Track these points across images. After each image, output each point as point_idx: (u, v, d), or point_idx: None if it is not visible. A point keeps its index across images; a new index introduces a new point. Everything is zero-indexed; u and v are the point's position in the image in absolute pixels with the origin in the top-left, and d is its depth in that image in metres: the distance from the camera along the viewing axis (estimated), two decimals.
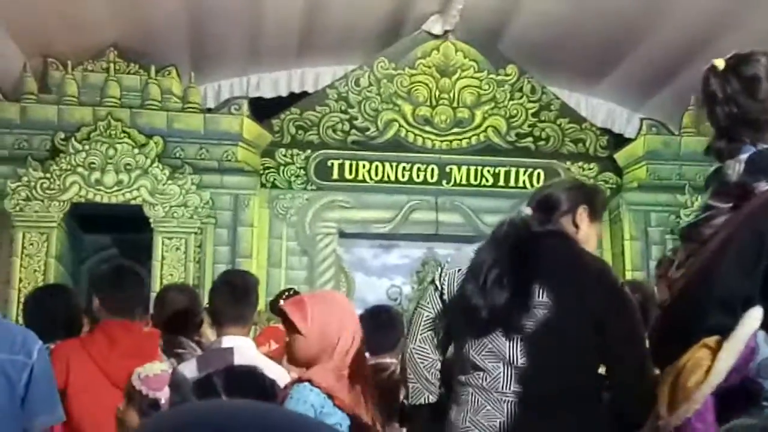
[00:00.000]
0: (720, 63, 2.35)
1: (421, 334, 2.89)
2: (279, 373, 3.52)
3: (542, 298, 2.65)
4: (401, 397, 3.03)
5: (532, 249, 2.73)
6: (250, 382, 3.36)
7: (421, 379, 2.88)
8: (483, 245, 2.84)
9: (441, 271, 2.93)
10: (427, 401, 2.88)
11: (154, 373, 3.33)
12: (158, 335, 4.30)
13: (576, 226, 2.97)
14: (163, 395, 3.29)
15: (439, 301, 2.88)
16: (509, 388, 2.65)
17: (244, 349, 3.62)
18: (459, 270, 2.85)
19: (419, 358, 2.88)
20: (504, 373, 2.66)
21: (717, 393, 2.05)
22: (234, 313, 3.69)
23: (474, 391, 2.71)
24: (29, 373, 3.30)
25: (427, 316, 2.89)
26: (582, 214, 2.99)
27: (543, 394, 2.64)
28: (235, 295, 3.73)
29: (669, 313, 2.32)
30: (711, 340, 2.09)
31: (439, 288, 2.89)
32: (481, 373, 2.70)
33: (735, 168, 2.27)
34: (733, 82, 2.30)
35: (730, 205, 2.25)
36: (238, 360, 3.51)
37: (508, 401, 2.65)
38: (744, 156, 2.26)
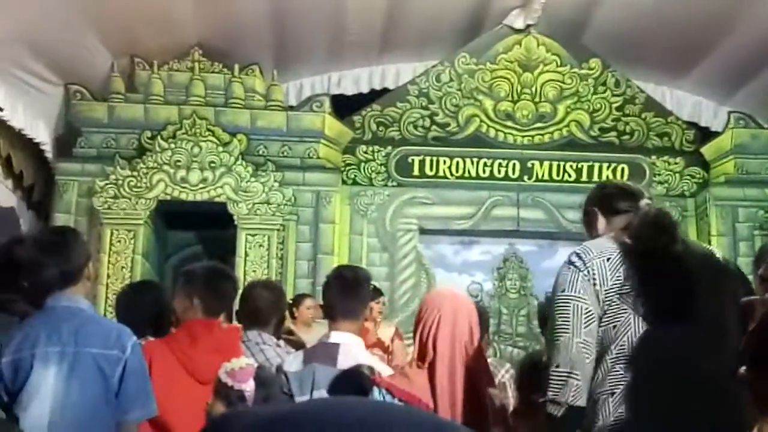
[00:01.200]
0: None
1: (584, 328, 2.73)
2: (383, 371, 3.55)
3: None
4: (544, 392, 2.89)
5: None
6: (352, 382, 3.41)
7: (586, 378, 2.73)
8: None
9: (587, 260, 2.83)
10: (584, 404, 2.74)
11: (240, 367, 3.38)
12: (238, 331, 4.35)
13: None
14: (248, 387, 3.33)
15: (594, 292, 2.78)
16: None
17: (350, 346, 3.64)
18: (608, 258, 2.82)
19: (585, 355, 2.73)
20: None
21: None
22: (343, 307, 3.72)
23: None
24: (123, 367, 3.37)
25: (587, 308, 2.75)
26: None
27: (701, 376, 2.66)
28: (344, 289, 3.75)
29: None
30: None
31: (591, 278, 2.79)
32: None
33: None
34: None
35: None
36: (343, 356, 3.55)
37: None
38: None
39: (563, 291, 2.82)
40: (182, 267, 4.47)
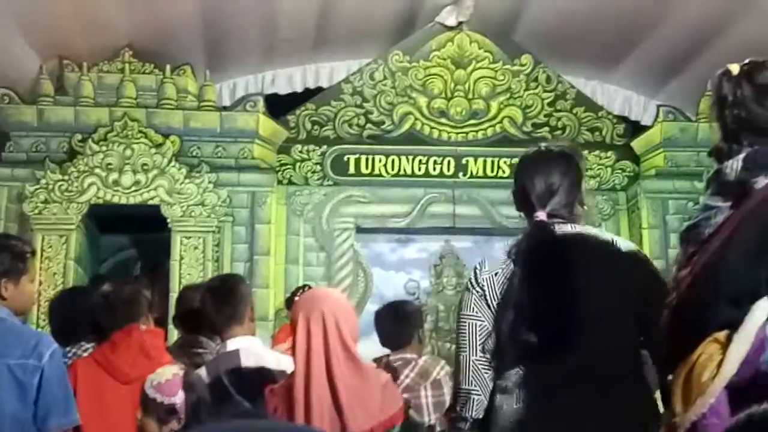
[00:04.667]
0: (735, 68, 2.39)
1: (479, 345, 2.81)
2: (290, 366, 3.55)
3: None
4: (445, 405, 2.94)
5: None
6: (258, 379, 3.41)
7: (486, 391, 2.79)
8: None
9: (478, 275, 2.88)
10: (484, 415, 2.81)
11: (166, 379, 3.34)
12: (159, 333, 4.37)
13: None
14: (178, 399, 3.31)
15: (486, 307, 2.83)
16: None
17: (249, 348, 3.63)
18: (496, 274, 2.84)
19: (485, 371, 2.80)
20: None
21: (730, 387, 2.05)
22: (222, 317, 3.70)
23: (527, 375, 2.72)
24: (40, 376, 3.33)
25: (481, 325, 2.82)
26: None
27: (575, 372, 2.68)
28: (216, 299, 3.75)
29: (676, 312, 2.31)
30: (721, 335, 2.09)
31: (481, 291, 2.84)
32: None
33: (734, 166, 2.30)
34: (745, 88, 2.34)
35: (730, 203, 2.26)
36: (245, 360, 3.54)
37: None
38: (742, 155, 2.29)
39: None
40: (116, 271, 4.50)
